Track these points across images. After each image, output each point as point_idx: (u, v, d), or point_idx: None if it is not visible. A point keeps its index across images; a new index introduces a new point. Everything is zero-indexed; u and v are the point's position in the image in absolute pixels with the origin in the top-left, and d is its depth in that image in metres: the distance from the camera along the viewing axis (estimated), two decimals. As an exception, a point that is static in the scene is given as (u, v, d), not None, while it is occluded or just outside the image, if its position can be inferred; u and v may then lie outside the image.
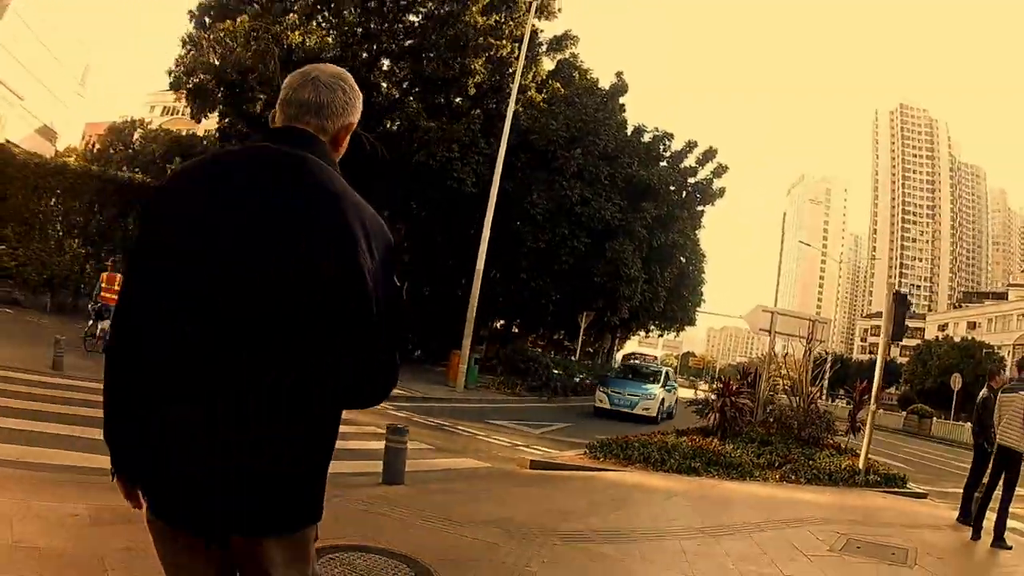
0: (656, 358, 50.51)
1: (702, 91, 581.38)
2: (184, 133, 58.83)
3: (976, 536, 9.20)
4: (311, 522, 1.92)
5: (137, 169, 45.61)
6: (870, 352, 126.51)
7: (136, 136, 62.30)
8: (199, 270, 1.75)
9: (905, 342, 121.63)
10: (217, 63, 24.87)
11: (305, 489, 1.87)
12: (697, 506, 9.41)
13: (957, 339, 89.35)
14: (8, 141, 43.03)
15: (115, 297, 16.78)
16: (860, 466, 13.34)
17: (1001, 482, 9.08)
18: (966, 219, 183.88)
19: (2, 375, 10.48)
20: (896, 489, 13.16)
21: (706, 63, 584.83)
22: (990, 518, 9.12)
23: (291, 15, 26.65)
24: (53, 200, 25.89)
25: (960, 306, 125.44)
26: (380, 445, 8.17)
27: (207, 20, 29.19)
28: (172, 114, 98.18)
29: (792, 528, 8.34)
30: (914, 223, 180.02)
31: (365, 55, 29.89)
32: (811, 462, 13.45)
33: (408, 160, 27.41)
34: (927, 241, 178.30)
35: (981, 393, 10.54)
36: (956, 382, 45.46)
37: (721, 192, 37.10)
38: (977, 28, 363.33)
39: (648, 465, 11.79)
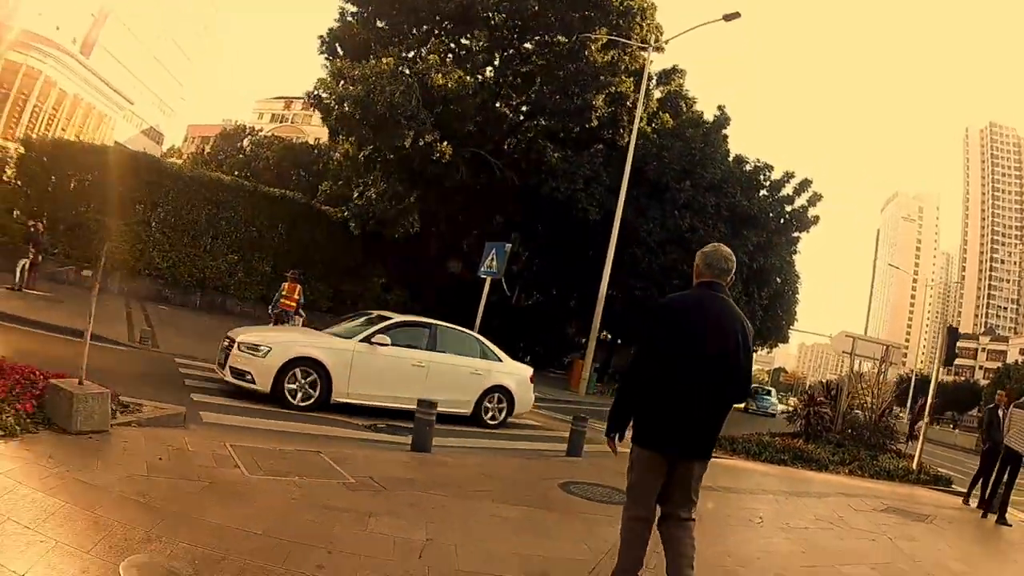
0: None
1: (798, 109, 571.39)
2: (295, 141, 61.79)
3: (985, 515, 12.63)
4: (710, 458, 4.67)
5: (249, 174, 48.68)
6: (956, 373, 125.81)
7: (246, 142, 64.25)
8: (698, 346, 4.41)
9: (988, 364, 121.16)
10: (364, 96, 27.68)
11: (712, 442, 4.65)
12: (785, 481, 13.21)
13: None
14: (116, 143, 46.37)
15: (292, 304, 19.85)
16: (913, 467, 17.05)
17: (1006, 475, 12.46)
18: None
19: (198, 367, 13.20)
20: (941, 487, 16.39)
21: (800, 83, 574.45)
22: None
23: (431, 56, 29.27)
24: (207, 210, 28.43)
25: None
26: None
27: (338, 47, 32.35)
28: (280, 122, 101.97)
29: (850, 498, 12.04)
30: (1003, 244, 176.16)
31: (495, 88, 32.34)
32: (875, 462, 17.11)
33: (536, 189, 30.23)
34: (1015, 263, 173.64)
35: (988, 408, 14.12)
36: None
37: (816, 220, 38.93)
38: None
39: (749, 456, 15.51)
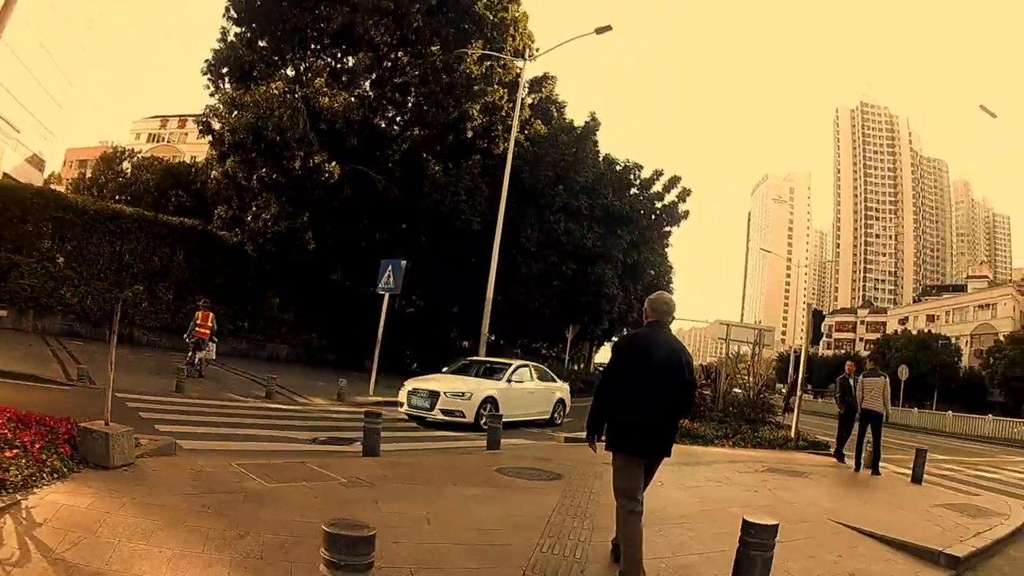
0: None
1: (664, 98, 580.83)
2: (175, 161, 62.22)
3: (856, 469, 15.59)
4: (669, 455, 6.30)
5: (129, 198, 48.83)
6: (835, 347, 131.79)
7: (126, 165, 63.54)
8: (653, 367, 6.09)
9: (868, 336, 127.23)
10: (254, 122, 28.91)
11: (672, 442, 6.33)
12: (676, 455, 15.50)
13: (916, 332, 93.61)
14: (6, 174, 45.90)
15: (205, 331, 21.57)
16: (792, 435, 19.93)
17: (869, 433, 15.41)
18: (929, 213, 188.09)
19: (143, 400, 14.22)
20: (819, 452, 19.17)
21: (665, 69, 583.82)
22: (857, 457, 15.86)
23: (317, 79, 30.97)
24: (113, 243, 29.57)
25: (920, 300, 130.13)
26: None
27: (225, 71, 33.09)
28: (157, 141, 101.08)
29: (735, 463, 14.60)
30: (877, 219, 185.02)
31: (375, 104, 33.72)
32: (756, 434, 19.72)
33: (419, 202, 31.81)
34: (890, 236, 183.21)
35: (840, 378, 17.51)
36: (903, 373, 49.98)
37: (686, 214, 42.05)
38: (935, 20, 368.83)
39: None
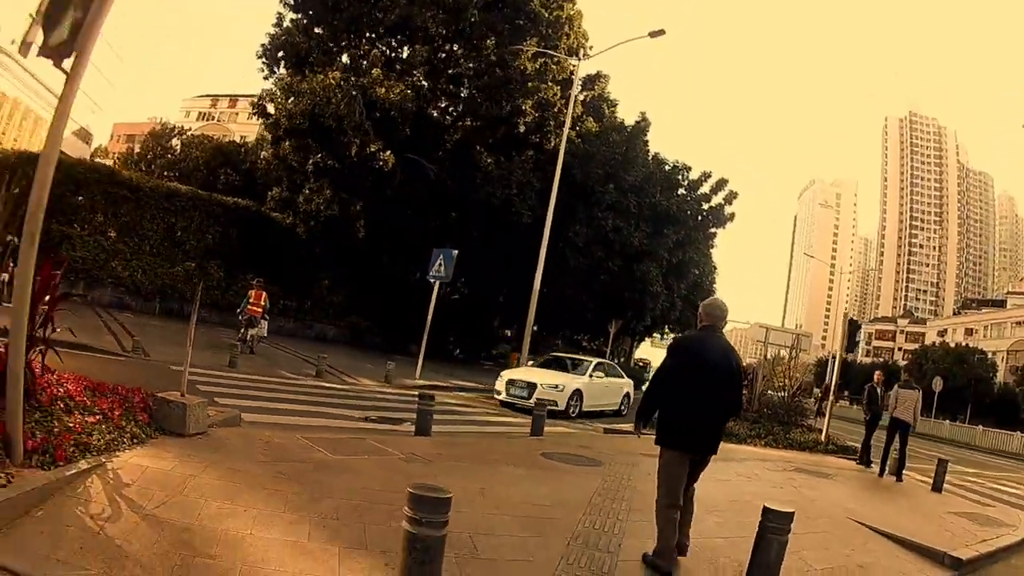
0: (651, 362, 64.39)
1: (717, 101, 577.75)
2: (225, 140, 63.15)
3: (880, 474, 16.06)
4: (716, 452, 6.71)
5: (178, 174, 50.01)
6: (874, 355, 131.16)
7: (175, 142, 64.65)
8: (707, 369, 6.41)
9: (907, 345, 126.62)
10: (311, 108, 29.55)
11: (719, 441, 6.71)
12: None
13: (954, 345, 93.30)
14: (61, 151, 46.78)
15: (258, 310, 22.16)
16: (822, 439, 20.42)
17: (897, 441, 15.94)
18: (973, 225, 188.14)
19: (199, 374, 14.30)
20: (847, 456, 19.64)
21: (718, 74, 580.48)
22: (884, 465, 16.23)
23: (375, 70, 31.57)
24: (167, 220, 30.29)
25: (959, 312, 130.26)
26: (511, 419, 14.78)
27: (280, 56, 33.69)
28: (207, 119, 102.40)
29: (767, 462, 15.25)
30: (921, 229, 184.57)
31: (428, 94, 34.27)
32: (787, 435, 20.22)
33: (470, 194, 32.39)
34: (934, 247, 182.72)
35: (868, 386, 18.30)
36: (937, 385, 50.44)
37: (732, 216, 42.18)
38: (989, 32, 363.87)
39: None
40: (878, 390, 17.85)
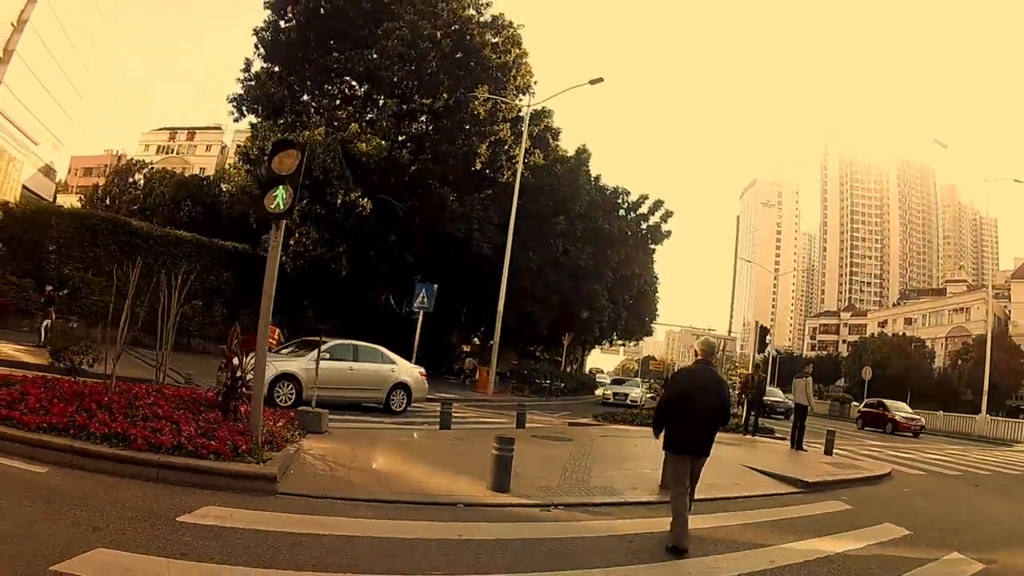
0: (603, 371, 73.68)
1: (654, 105, 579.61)
2: (186, 174, 66.20)
3: (793, 447, 20.67)
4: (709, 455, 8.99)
5: (147, 211, 52.92)
6: (818, 348, 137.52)
7: (138, 177, 66.77)
8: (699, 396, 8.59)
9: (850, 338, 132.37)
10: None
11: (711, 445, 8.88)
12: (647, 433, 20.89)
13: (891, 335, 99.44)
14: (24, 187, 48.58)
15: (274, 343, 24.92)
16: (741, 423, 25.21)
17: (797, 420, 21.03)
18: (915, 216, 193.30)
19: None
20: (771, 437, 24.96)
21: (655, 81, 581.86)
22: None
23: (353, 125, 36.09)
24: (176, 264, 31.64)
25: (900, 303, 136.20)
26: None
27: (257, 108, 38.11)
28: (167, 153, 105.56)
29: None
30: (863, 223, 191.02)
31: (395, 141, 38.42)
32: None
33: (437, 229, 37.23)
34: (876, 240, 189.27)
35: (754, 378, 24.59)
36: (867, 374, 55.00)
37: (668, 234, 48.80)
38: (924, 23, 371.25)
39: (625, 423, 24.01)
40: (754, 379, 24.74)
